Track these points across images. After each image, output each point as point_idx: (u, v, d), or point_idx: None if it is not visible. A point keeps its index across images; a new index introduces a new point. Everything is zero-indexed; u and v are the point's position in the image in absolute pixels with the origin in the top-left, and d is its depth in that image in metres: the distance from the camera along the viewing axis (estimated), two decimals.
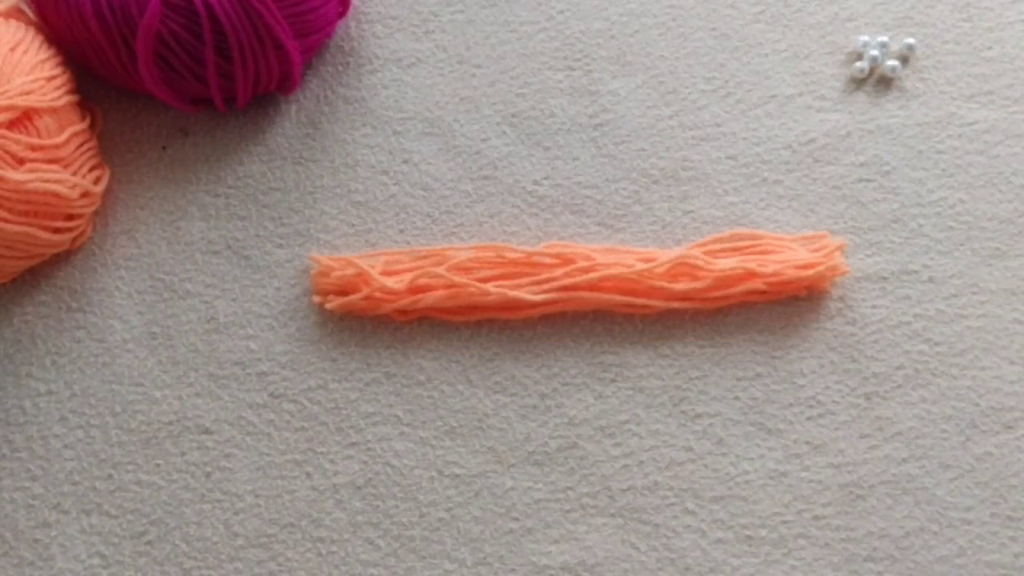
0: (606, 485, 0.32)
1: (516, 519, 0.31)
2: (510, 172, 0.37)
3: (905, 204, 0.36)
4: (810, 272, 0.33)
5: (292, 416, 0.33)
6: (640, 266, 0.34)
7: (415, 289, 0.34)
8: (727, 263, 0.34)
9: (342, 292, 0.34)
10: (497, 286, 0.34)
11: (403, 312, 0.34)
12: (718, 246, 0.35)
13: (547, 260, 0.34)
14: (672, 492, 0.31)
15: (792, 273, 0.33)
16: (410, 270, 0.34)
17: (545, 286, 0.34)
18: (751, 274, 0.33)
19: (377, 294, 0.34)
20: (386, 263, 0.34)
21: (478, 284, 0.33)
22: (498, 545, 0.31)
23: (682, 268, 0.34)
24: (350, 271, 0.34)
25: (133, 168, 0.38)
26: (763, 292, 0.34)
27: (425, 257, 0.35)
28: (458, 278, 0.33)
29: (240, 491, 0.33)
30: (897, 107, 0.38)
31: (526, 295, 0.33)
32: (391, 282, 0.33)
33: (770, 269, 0.33)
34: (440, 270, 0.34)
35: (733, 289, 0.33)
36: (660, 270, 0.34)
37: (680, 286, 0.33)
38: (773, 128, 0.38)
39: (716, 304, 0.34)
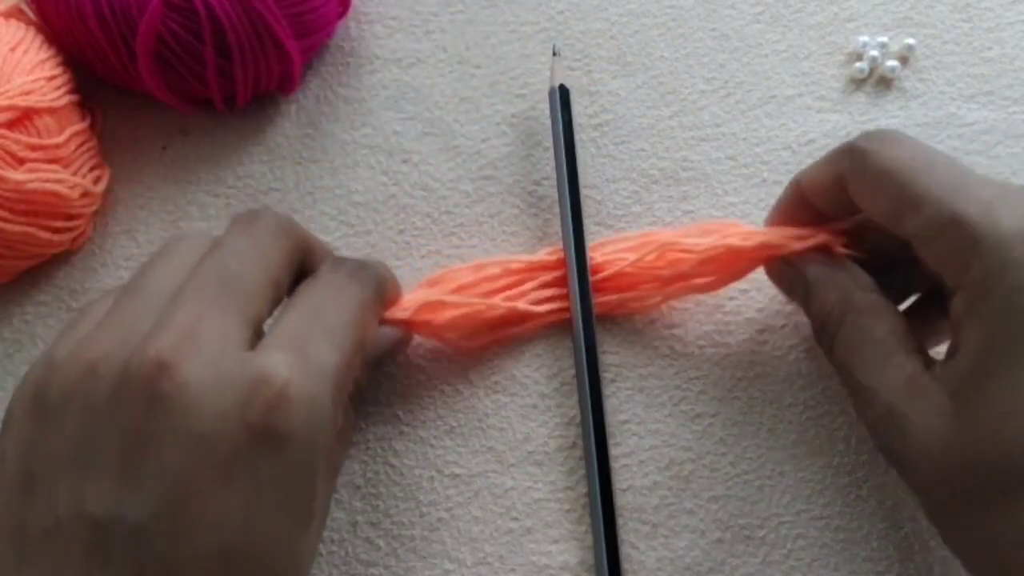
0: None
1: (516, 519, 0.31)
2: (510, 172, 0.37)
3: None
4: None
5: None
6: (631, 256, 0.33)
7: (424, 309, 0.32)
8: (706, 241, 0.32)
9: None
10: (504, 298, 0.33)
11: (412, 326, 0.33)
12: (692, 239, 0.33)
13: (547, 262, 0.34)
14: (672, 492, 0.31)
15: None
16: (414, 300, 0.33)
17: (548, 292, 0.33)
18: (735, 252, 0.32)
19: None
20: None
21: (485, 301, 0.33)
22: (498, 545, 0.31)
23: (670, 254, 0.33)
24: None
25: (133, 168, 0.38)
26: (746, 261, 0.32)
27: (428, 285, 0.34)
28: (461, 298, 0.32)
29: None
30: (897, 107, 0.38)
31: (534, 308, 0.33)
32: (397, 313, 0.32)
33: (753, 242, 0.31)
34: (450, 297, 0.33)
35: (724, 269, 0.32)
36: (651, 257, 0.33)
37: (668, 272, 0.33)
38: (773, 128, 0.38)
39: (710, 287, 0.33)
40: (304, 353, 0.25)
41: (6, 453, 0.24)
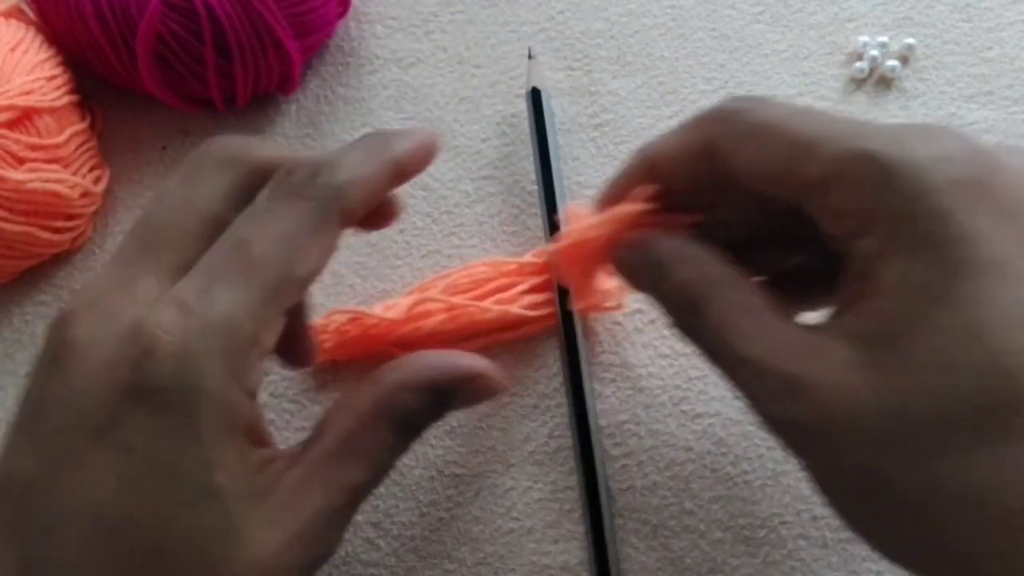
0: (606, 485, 0.32)
1: (516, 519, 0.31)
2: (510, 172, 0.37)
3: None
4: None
5: (292, 416, 0.33)
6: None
7: (415, 316, 0.33)
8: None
9: (340, 344, 0.33)
10: (495, 301, 0.33)
11: (402, 346, 0.33)
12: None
13: (537, 264, 0.34)
14: (671, 492, 0.31)
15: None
16: (406, 302, 0.33)
17: (540, 298, 0.33)
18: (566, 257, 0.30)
19: (373, 331, 0.33)
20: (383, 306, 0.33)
21: (477, 303, 0.33)
22: (498, 545, 0.31)
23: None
24: (341, 318, 0.33)
25: (133, 168, 0.38)
26: None
27: (419, 291, 0.34)
28: (456, 299, 0.33)
29: None
30: (897, 107, 0.38)
31: (528, 312, 0.33)
32: (389, 313, 0.33)
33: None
34: (436, 293, 0.33)
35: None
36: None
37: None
38: None
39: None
40: (197, 301, 0.23)
41: None
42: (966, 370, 0.19)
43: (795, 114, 0.23)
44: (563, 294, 0.33)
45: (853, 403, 0.21)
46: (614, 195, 0.27)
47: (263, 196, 0.24)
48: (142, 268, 0.24)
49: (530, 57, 0.38)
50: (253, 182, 0.25)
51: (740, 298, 0.24)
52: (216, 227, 0.24)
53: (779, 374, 0.22)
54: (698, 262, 0.25)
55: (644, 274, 0.26)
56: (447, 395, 0.26)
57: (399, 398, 0.26)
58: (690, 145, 0.25)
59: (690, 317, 0.25)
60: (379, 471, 0.26)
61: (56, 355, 0.23)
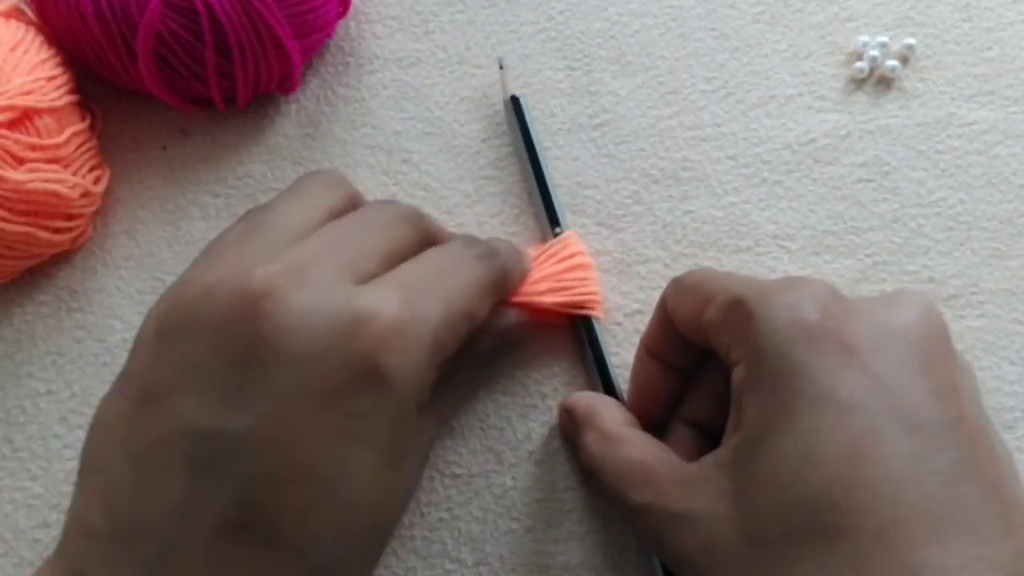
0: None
1: (516, 519, 0.31)
2: (510, 172, 0.37)
3: (905, 204, 0.36)
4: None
5: None
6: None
7: None
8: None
9: None
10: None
11: None
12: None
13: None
14: None
15: None
16: None
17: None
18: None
19: None
20: None
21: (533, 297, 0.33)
22: (498, 545, 0.31)
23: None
24: None
25: (133, 168, 0.38)
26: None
27: None
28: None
29: None
30: (897, 107, 0.38)
31: (542, 300, 0.33)
32: None
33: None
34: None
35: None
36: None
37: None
38: (773, 128, 0.38)
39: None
40: (412, 297, 0.25)
41: (132, 373, 0.25)
42: (799, 497, 0.22)
43: (713, 277, 0.28)
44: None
45: (724, 529, 0.23)
46: (640, 400, 0.31)
47: (456, 246, 0.29)
48: (340, 263, 0.26)
49: (501, 67, 0.38)
50: (421, 243, 0.29)
51: (632, 452, 0.27)
52: (393, 262, 0.27)
53: (666, 514, 0.25)
54: (598, 425, 0.29)
55: (570, 432, 0.31)
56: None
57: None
58: (659, 315, 0.29)
59: (594, 477, 0.28)
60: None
61: (266, 315, 0.23)
